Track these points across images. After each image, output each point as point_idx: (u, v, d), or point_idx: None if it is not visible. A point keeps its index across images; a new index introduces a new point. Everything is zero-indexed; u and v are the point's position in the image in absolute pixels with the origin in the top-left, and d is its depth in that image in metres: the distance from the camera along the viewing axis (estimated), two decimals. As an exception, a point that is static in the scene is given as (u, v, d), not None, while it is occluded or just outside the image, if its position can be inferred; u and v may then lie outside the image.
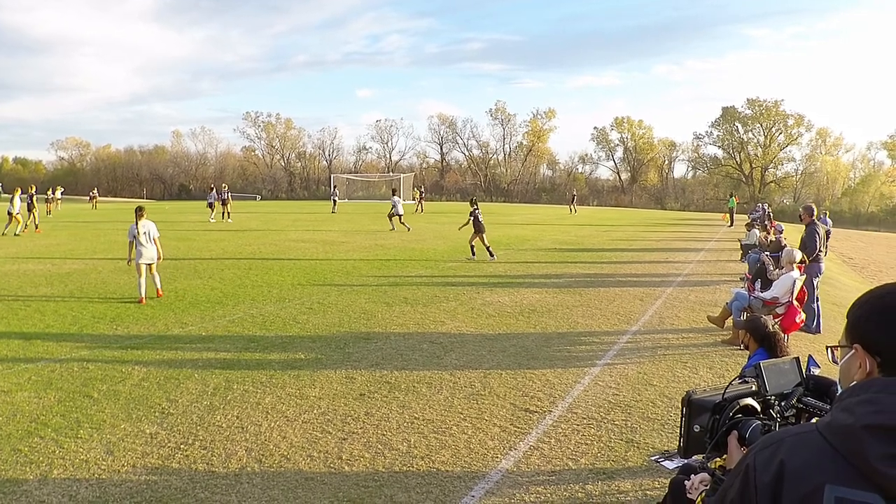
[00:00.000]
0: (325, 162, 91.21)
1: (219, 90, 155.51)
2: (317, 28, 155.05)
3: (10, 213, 21.64)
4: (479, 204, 16.89)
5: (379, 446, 4.89)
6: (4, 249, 17.96)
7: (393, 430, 5.22)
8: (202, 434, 5.00)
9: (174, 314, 9.45)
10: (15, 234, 21.36)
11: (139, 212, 10.49)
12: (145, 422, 5.22)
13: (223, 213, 29.75)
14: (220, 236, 22.15)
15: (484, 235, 16.16)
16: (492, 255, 16.00)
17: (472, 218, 16.26)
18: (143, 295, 10.17)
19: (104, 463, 4.44)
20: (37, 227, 24.43)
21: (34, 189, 26.45)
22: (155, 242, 10.35)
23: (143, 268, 10.15)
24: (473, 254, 16.15)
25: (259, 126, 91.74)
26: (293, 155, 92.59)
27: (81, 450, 4.66)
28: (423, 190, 44.42)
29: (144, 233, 10.23)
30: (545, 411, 5.65)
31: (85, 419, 5.25)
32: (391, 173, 76.07)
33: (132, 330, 8.42)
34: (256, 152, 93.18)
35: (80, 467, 4.38)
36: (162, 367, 6.76)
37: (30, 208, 24.59)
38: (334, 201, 39.54)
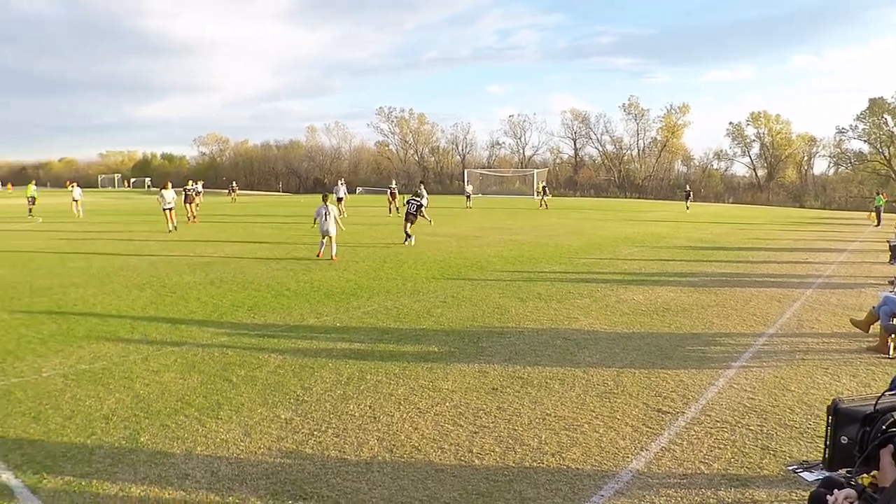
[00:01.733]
0: (458, 157, 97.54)
1: (350, 87, 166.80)
2: (446, 24, 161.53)
3: (164, 210, 24.29)
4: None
5: (510, 441, 5.28)
6: (155, 238, 21.06)
7: (524, 425, 5.62)
8: (335, 422, 5.63)
9: (310, 304, 10.59)
10: (169, 231, 23.77)
11: (325, 198, 16.18)
12: (281, 407, 5.96)
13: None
14: (353, 230, 24.17)
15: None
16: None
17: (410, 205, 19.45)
18: (321, 252, 16.05)
19: (242, 444, 5.14)
20: (194, 219, 28.29)
21: (194, 182, 31.21)
22: (336, 221, 16.06)
23: (325, 238, 15.98)
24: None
25: (392, 121, 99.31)
26: (427, 150, 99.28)
27: (221, 430, 5.42)
28: (545, 185, 46.43)
29: (327, 213, 15.85)
30: (678, 412, 5.89)
31: (225, 401, 6.09)
32: (524, 168, 79.89)
33: (269, 319, 9.55)
34: (390, 147, 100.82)
35: (221, 446, 5.11)
36: (297, 355, 7.63)
37: (187, 200, 28.64)
38: (468, 196, 42.96)
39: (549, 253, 17.58)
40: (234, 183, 60.38)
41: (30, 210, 34.53)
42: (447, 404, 6.10)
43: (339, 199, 31.46)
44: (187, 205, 28.58)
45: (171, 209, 24.27)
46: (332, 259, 15.58)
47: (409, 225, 19.55)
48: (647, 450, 5.13)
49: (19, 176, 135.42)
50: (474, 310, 10.19)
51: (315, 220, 16.20)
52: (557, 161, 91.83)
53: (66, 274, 13.97)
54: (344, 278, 13.20)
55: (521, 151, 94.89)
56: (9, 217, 34.12)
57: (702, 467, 4.83)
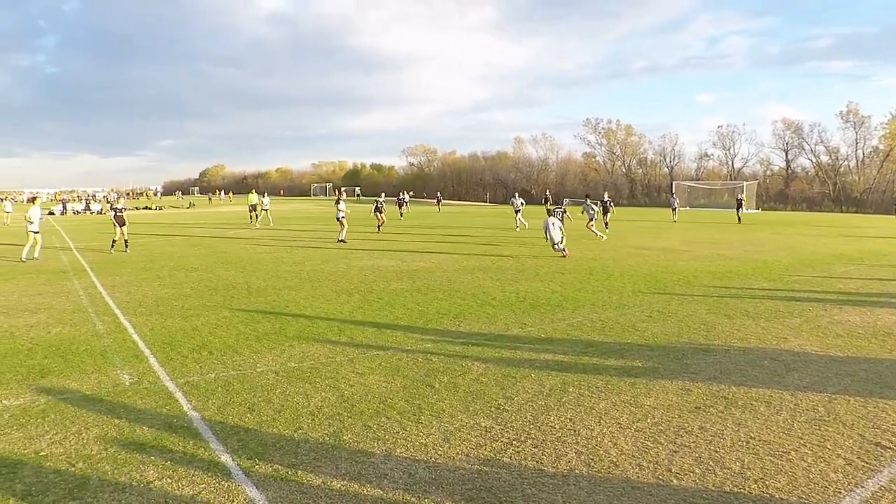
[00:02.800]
0: (665, 168, 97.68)
1: (557, 98, 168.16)
2: (652, 32, 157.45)
3: (339, 220, 25.93)
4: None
5: (710, 463, 5.19)
6: (362, 247, 22.96)
7: (726, 447, 5.49)
8: (534, 433, 5.80)
9: (514, 314, 11.00)
10: (339, 241, 25.36)
11: (549, 212, 20.30)
12: (481, 415, 6.24)
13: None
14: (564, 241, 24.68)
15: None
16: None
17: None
18: (567, 254, 19.48)
19: (441, 449, 5.45)
20: (378, 230, 30.50)
21: (405, 193, 34.15)
22: (560, 230, 19.74)
23: (555, 245, 19.68)
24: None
25: (599, 132, 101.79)
26: (634, 161, 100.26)
27: (421, 434, 5.78)
28: (740, 199, 45.53)
29: (552, 224, 19.61)
30: (901, 449, 5.40)
31: (426, 406, 6.49)
32: (733, 181, 78.44)
33: (474, 327, 10.04)
34: (597, 158, 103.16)
35: (420, 449, 5.44)
36: (500, 364, 7.95)
37: (378, 209, 30.86)
38: (674, 209, 43.37)
39: (758, 269, 17.16)
40: (438, 193, 64.25)
41: (250, 217, 39.14)
42: (648, 421, 6.12)
43: (517, 211, 33.51)
44: (378, 214, 30.88)
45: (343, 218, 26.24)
46: (564, 255, 19.22)
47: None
48: (862, 486, 4.83)
49: (241, 185, 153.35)
50: (680, 325, 10.21)
51: (545, 232, 19.76)
52: (768, 173, 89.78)
53: (280, 276, 15.66)
54: (549, 289, 13.55)
55: (730, 163, 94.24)
56: (233, 223, 38.86)
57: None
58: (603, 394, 6.90)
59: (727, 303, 12.15)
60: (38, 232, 20.82)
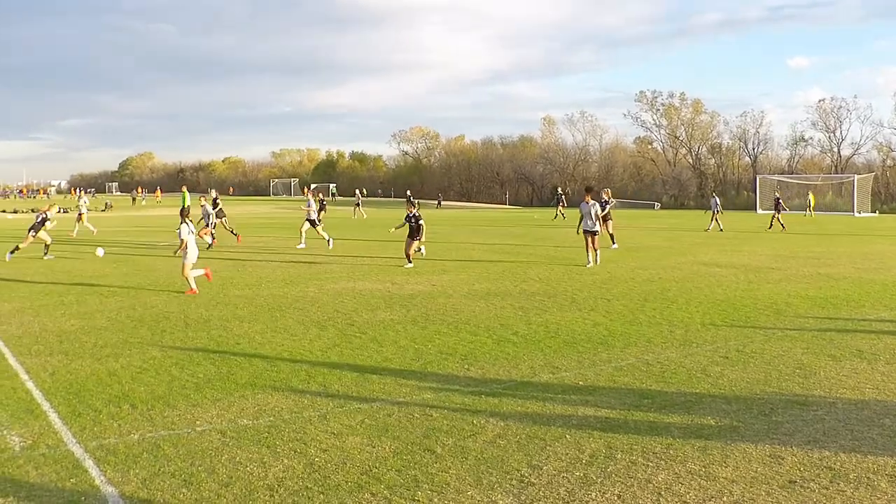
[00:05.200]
0: (747, 158, 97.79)
1: (599, 63, 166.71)
2: None
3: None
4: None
5: None
6: (338, 261, 22.87)
7: None
8: None
9: (543, 354, 10.93)
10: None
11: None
12: (498, 491, 6.09)
13: (556, 214, 33.67)
14: (610, 255, 24.98)
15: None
16: None
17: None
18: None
19: None
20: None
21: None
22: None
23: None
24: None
25: (657, 110, 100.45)
26: (704, 149, 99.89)
27: None
28: (777, 198, 45.95)
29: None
30: None
31: (424, 479, 6.35)
32: (839, 173, 79.32)
33: (488, 372, 9.93)
34: (654, 145, 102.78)
35: None
36: (524, 422, 7.83)
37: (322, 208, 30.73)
38: (715, 212, 41.47)
39: (876, 293, 17.06)
40: (439, 194, 64.97)
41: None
42: (725, 499, 5.96)
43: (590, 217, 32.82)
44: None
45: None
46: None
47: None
48: None
49: (176, 180, 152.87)
50: (767, 369, 10.11)
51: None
52: (888, 163, 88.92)
53: (228, 303, 15.62)
54: (590, 320, 13.52)
55: (836, 150, 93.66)
56: (164, 230, 38.78)
57: None
58: (663, 462, 6.77)
59: (832, 339, 12.01)
60: None
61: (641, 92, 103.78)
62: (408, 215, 22.60)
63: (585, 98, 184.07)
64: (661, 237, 34.18)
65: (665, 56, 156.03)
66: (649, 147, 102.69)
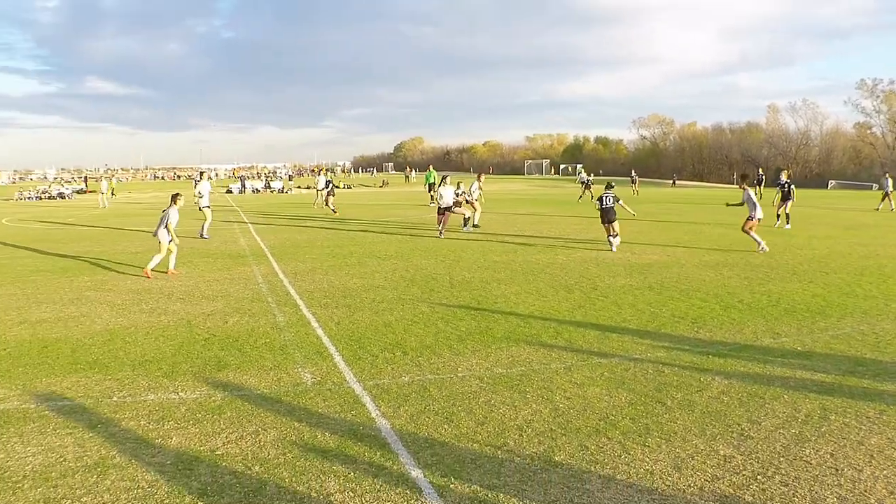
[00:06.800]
0: None
1: (818, 54, 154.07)
2: None
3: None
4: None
5: None
6: (580, 236, 23.28)
7: None
8: (784, 467, 5.89)
9: (765, 321, 10.99)
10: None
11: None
12: (720, 441, 6.40)
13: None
14: (827, 231, 24.41)
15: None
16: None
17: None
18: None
19: (669, 479, 5.69)
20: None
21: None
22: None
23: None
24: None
25: (877, 96, 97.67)
26: None
27: (647, 459, 6.05)
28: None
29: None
30: None
31: (655, 427, 6.74)
32: None
33: (715, 335, 10.16)
34: (874, 130, 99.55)
35: (644, 478, 5.72)
36: (746, 381, 8.06)
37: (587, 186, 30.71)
38: (888, 191, 38.83)
39: None
40: (674, 175, 63.92)
41: (431, 198, 40.70)
42: (940, 468, 5.88)
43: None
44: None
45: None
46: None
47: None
48: None
49: (443, 161, 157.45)
50: None
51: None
52: None
53: (488, 267, 16.48)
54: (809, 291, 13.36)
55: None
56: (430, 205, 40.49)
57: None
58: (875, 426, 6.78)
59: None
60: (209, 206, 23.82)
61: (862, 80, 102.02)
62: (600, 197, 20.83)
63: (804, 87, 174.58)
64: (879, 217, 32.38)
65: (884, 44, 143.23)
66: (868, 132, 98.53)
